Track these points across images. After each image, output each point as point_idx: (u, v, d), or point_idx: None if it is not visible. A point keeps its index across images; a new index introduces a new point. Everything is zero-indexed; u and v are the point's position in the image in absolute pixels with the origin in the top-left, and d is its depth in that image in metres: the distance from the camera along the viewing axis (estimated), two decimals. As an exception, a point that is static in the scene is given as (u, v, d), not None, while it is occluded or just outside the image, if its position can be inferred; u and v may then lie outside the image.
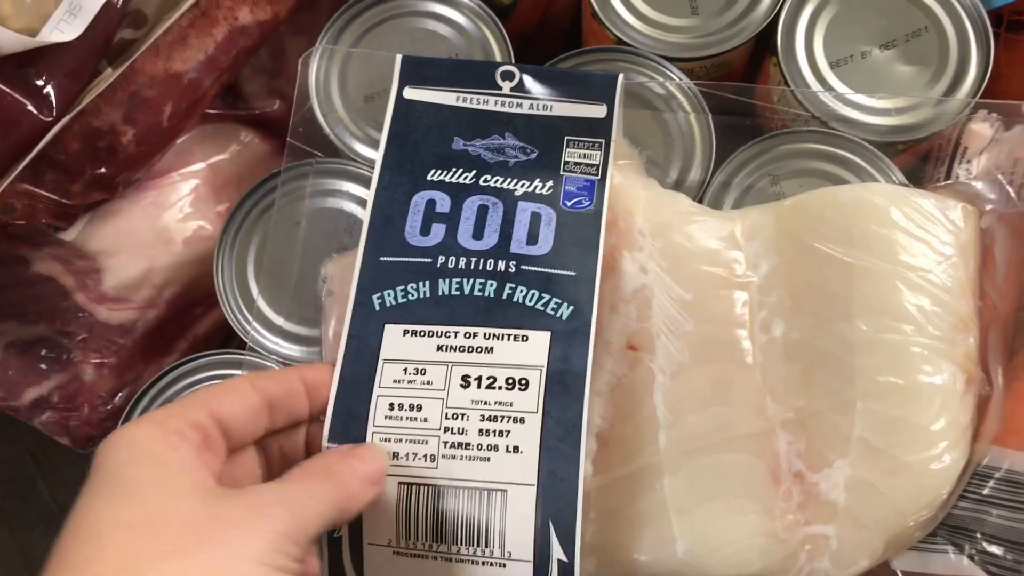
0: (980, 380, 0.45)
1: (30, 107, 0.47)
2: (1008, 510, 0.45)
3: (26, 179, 0.48)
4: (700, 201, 0.50)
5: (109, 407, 0.55)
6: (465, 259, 0.43)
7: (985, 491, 0.45)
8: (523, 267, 0.43)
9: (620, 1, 0.54)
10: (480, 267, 0.43)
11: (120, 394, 0.55)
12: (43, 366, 0.54)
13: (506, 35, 0.53)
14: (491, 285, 0.42)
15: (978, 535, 0.45)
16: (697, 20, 0.54)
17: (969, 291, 0.45)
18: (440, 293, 0.43)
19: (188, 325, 0.56)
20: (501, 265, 0.43)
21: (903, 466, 0.43)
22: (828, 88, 0.52)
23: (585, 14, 0.56)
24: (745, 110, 0.51)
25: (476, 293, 0.42)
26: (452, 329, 0.42)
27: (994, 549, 0.45)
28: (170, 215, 0.54)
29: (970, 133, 0.58)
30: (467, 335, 0.42)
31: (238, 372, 0.50)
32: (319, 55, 0.52)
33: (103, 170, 0.50)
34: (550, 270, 0.43)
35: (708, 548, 0.43)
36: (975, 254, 0.46)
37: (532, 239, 0.44)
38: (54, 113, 0.47)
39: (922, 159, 0.56)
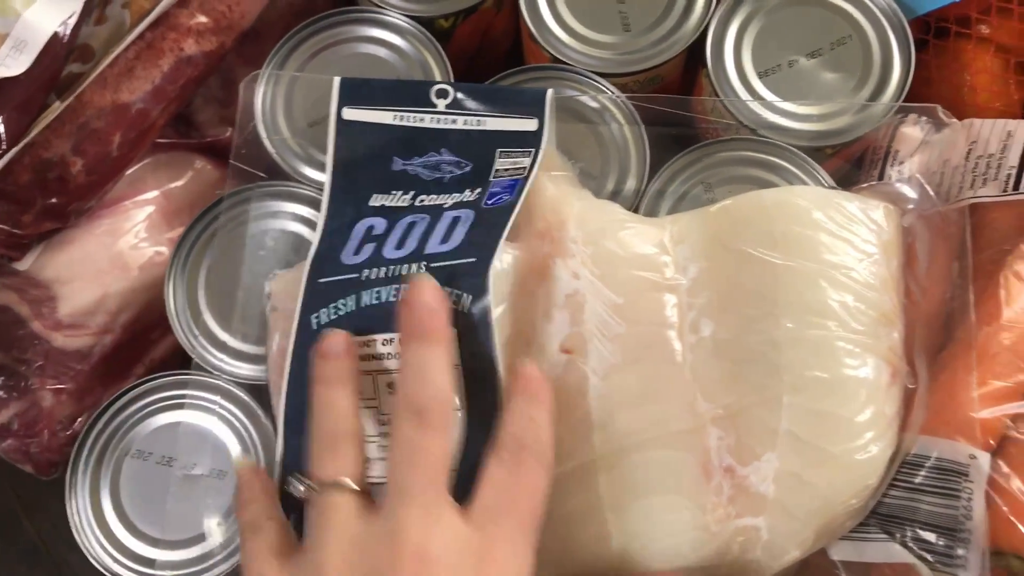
0: (905, 373, 0.47)
1: (-21, 141, 0.48)
2: (938, 497, 0.46)
3: (-23, 211, 0.49)
4: (636, 210, 0.52)
5: (69, 432, 0.56)
6: (385, 268, 0.45)
7: (916, 479, 0.46)
8: (431, 265, 0.44)
9: (555, 21, 0.56)
10: (396, 274, 0.44)
11: (80, 419, 0.56)
12: (1, 394, 0.55)
13: (446, 57, 0.55)
14: (403, 288, 0.44)
15: (911, 523, 0.46)
16: (629, 37, 0.55)
17: (892, 287, 0.47)
18: (363, 304, 0.44)
19: (145, 349, 0.57)
20: (413, 268, 0.44)
21: (829, 457, 0.44)
22: (757, 97, 0.54)
23: (523, 35, 0.58)
24: (678, 120, 0.53)
25: (391, 299, 0.44)
26: (371, 338, 0.43)
27: (927, 536, 0.46)
28: (124, 242, 0.56)
29: (901, 136, 0.60)
30: (383, 342, 0.43)
31: (190, 392, 0.51)
32: (264, 80, 0.54)
33: (54, 200, 0.52)
34: (454, 262, 0.44)
35: (642, 543, 0.45)
36: (898, 252, 0.48)
37: (446, 239, 0.45)
38: (3, 146, 0.49)
39: (856, 163, 0.58)
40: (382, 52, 0.56)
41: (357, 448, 0.41)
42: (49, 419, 0.55)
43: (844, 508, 0.45)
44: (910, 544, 0.46)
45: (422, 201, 0.47)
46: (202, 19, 0.54)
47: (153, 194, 0.57)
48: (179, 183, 0.58)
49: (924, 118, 0.61)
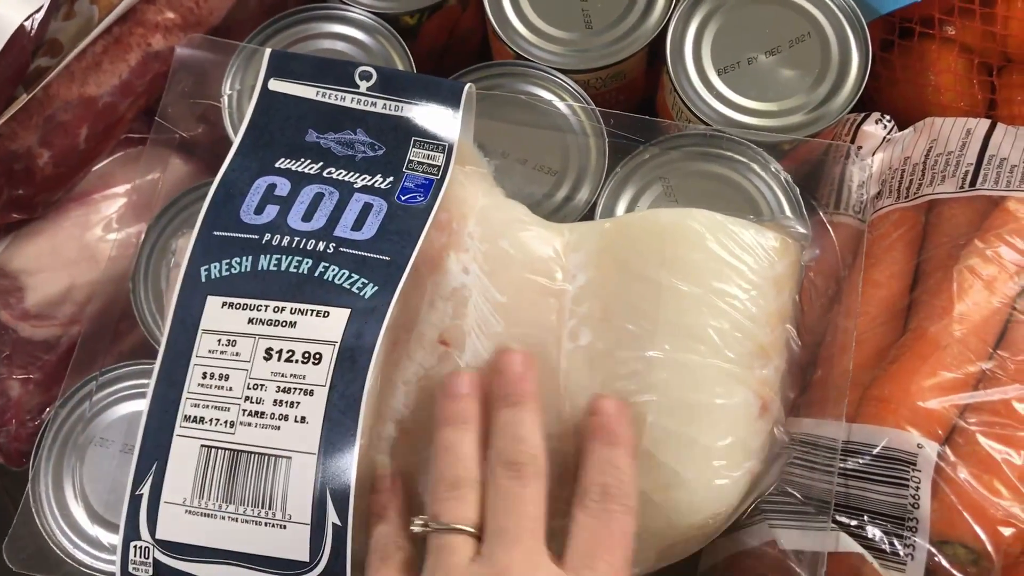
0: (778, 408, 0.47)
1: (-55, 132, 0.49)
2: (887, 486, 0.46)
3: (-56, 201, 0.50)
4: (595, 205, 0.52)
5: (37, 422, 0.56)
6: (289, 238, 0.46)
7: (865, 468, 0.47)
8: (341, 249, 0.45)
9: (518, 19, 0.57)
10: (300, 246, 0.45)
11: (48, 409, 0.56)
12: (-30, 384, 0.55)
13: (409, 53, 0.56)
14: (306, 263, 0.45)
15: (860, 511, 0.47)
16: (590, 34, 0.56)
17: (775, 321, 0.47)
18: (259, 268, 0.45)
19: (113, 341, 0.58)
20: (320, 246, 0.45)
21: (681, 481, 0.45)
22: (716, 94, 0.54)
23: (488, 32, 0.59)
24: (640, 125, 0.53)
25: (291, 269, 0.45)
26: (263, 303, 0.44)
27: (875, 524, 0.46)
28: (92, 234, 0.56)
29: (863, 134, 0.61)
30: (275, 309, 0.44)
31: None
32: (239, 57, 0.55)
33: (20, 191, 0.52)
34: (366, 253, 0.45)
35: None
36: (790, 286, 0.48)
37: (357, 226, 0.46)
38: (-31, 137, 0.50)
39: (819, 160, 0.58)
40: (348, 48, 0.57)
41: (477, 494, 0.42)
42: (17, 409, 0.56)
43: (691, 532, 0.45)
44: (858, 532, 0.47)
45: (330, 173, 0.48)
46: (170, 15, 0.54)
47: (123, 188, 0.58)
48: (148, 177, 0.59)
49: (886, 116, 0.62)
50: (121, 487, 0.46)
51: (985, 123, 0.57)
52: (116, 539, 0.48)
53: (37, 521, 0.50)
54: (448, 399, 0.44)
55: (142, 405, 0.51)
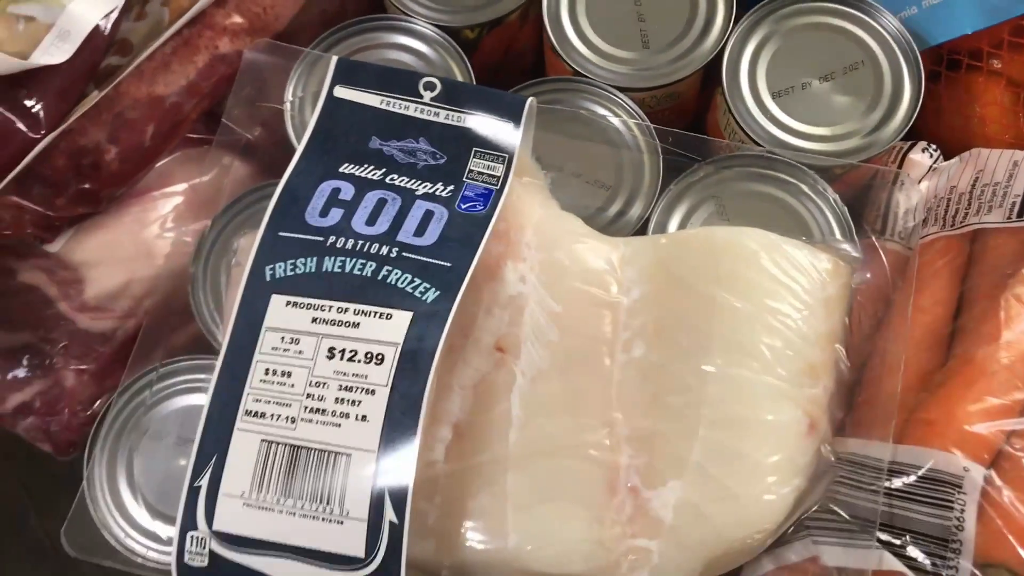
0: (825, 429, 0.48)
1: (20, 125, 0.50)
2: (932, 507, 0.47)
3: (14, 192, 0.51)
4: (647, 221, 0.53)
5: (89, 413, 0.57)
6: (353, 240, 0.47)
7: (911, 489, 0.48)
8: (404, 254, 0.46)
9: (576, 36, 0.58)
10: (364, 249, 0.47)
11: (99, 400, 0.57)
12: (26, 372, 0.56)
13: (469, 66, 0.57)
14: (370, 266, 0.46)
15: (903, 531, 0.47)
16: (648, 53, 0.57)
17: (825, 342, 0.48)
18: (324, 269, 0.46)
19: (166, 335, 0.59)
20: (384, 250, 0.47)
21: (731, 495, 0.45)
22: (770, 117, 0.55)
23: (545, 47, 0.60)
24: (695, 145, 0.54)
25: (355, 271, 0.46)
26: (327, 303, 0.45)
27: (919, 544, 0.47)
28: (151, 231, 0.58)
29: (910, 162, 0.62)
30: (339, 310, 0.45)
31: (207, 376, 0.52)
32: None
33: (87, 185, 0.53)
34: (428, 259, 0.46)
35: (536, 545, 0.46)
36: (840, 308, 0.49)
37: (419, 232, 0.47)
38: (42, 131, 0.51)
39: (867, 185, 0.59)
40: (409, 59, 0.58)
41: None
42: (71, 399, 0.57)
43: (738, 545, 0.46)
44: (902, 552, 0.47)
45: (392, 180, 0.49)
46: (237, 19, 0.56)
47: (181, 186, 0.59)
48: (206, 177, 0.60)
49: (932, 145, 0.62)
50: (174, 478, 0.47)
51: (1032, 156, 0.57)
52: (168, 529, 0.50)
53: (91, 509, 0.51)
54: None
55: (197, 399, 0.53)
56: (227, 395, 0.45)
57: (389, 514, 0.43)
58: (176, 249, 0.58)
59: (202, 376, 0.53)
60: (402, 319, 0.45)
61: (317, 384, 0.45)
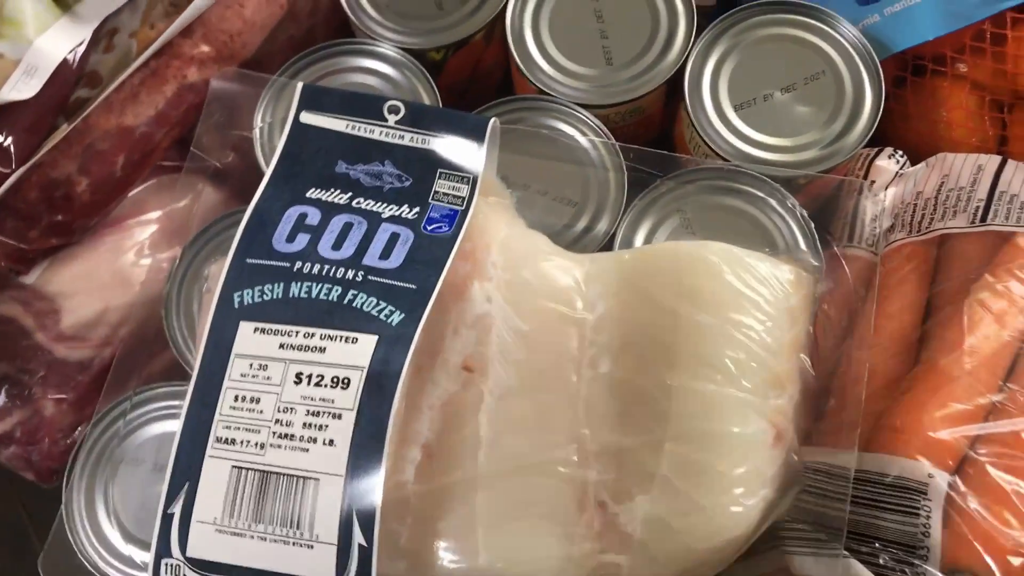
0: (791, 438, 0.48)
1: (-10, 160, 0.51)
2: (898, 514, 0.47)
3: (-13, 226, 0.52)
4: (613, 236, 0.54)
5: (69, 441, 0.58)
6: (319, 266, 0.47)
7: (877, 497, 0.48)
8: (369, 277, 0.47)
9: (540, 55, 0.58)
10: (330, 274, 0.47)
11: (79, 428, 0.58)
12: (6, 403, 0.57)
13: (435, 87, 0.58)
14: (336, 290, 0.47)
15: (871, 539, 0.48)
16: (611, 70, 0.58)
17: (789, 352, 0.49)
18: (291, 295, 0.47)
19: (145, 363, 0.60)
20: (350, 274, 0.47)
21: (698, 508, 0.46)
22: (733, 129, 0.56)
23: (512, 67, 0.60)
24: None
25: (322, 296, 0.47)
26: (294, 328, 0.46)
27: (887, 552, 0.47)
28: (126, 259, 0.58)
29: (876, 169, 0.62)
30: (306, 335, 0.46)
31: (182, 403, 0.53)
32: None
33: (60, 217, 0.54)
34: (393, 282, 0.47)
35: (506, 563, 0.46)
36: (803, 318, 0.50)
37: (385, 255, 0.48)
38: (12, 165, 0.51)
39: (832, 195, 0.60)
40: (376, 82, 0.58)
41: None
42: (50, 427, 0.57)
43: (707, 557, 0.46)
44: (870, 559, 0.47)
45: (359, 203, 0.50)
46: (205, 48, 0.56)
47: (155, 214, 0.60)
48: (180, 204, 0.61)
49: (899, 151, 0.63)
50: (151, 505, 0.48)
51: (996, 159, 0.58)
52: (146, 556, 0.50)
53: (69, 537, 0.51)
54: None
55: (173, 425, 0.53)
56: (197, 422, 0.46)
57: (358, 537, 0.43)
58: (151, 276, 0.58)
59: (177, 402, 0.53)
60: (367, 343, 0.46)
61: (285, 410, 0.45)
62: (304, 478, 0.44)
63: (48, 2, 0.53)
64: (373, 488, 0.43)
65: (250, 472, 0.45)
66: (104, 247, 0.58)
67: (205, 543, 0.44)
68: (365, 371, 0.45)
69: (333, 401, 0.45)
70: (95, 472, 0.53)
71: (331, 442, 0.44)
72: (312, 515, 0.43)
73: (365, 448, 0.44)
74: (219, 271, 0.49)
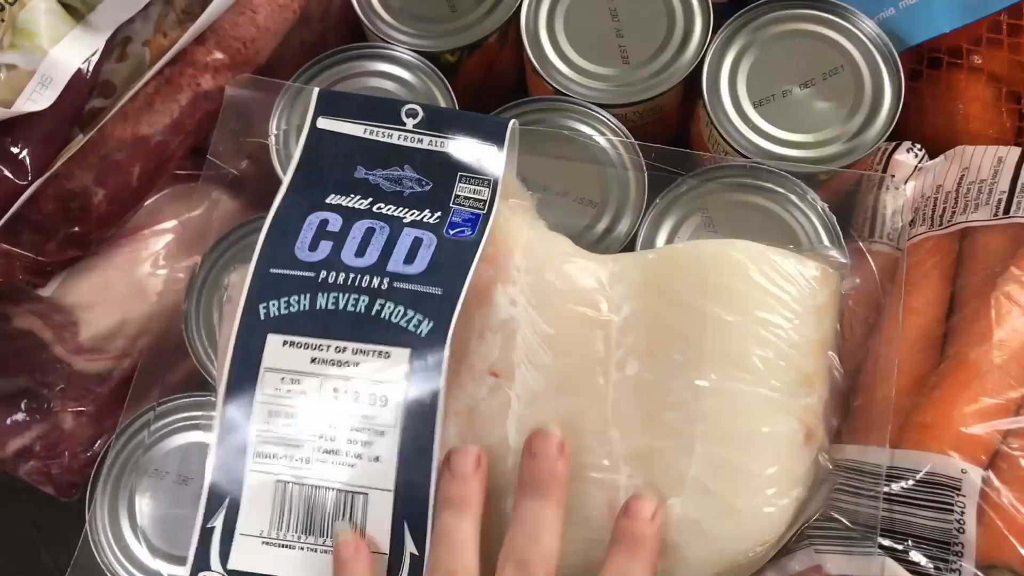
0: (822, 436, 0.48)
1: (6, 172, 0.51)
2: (932, 511, 0.47)
3: (4, 239, 0.52)
4: (635, 236, 0.54)
5: (89, 454, 0.58)
6: (344, 274, 0.47)
7: (910, 494, 0.48)
8: (395, 284, 0.47)
9: (556, 55, 0.58)
10: (356, 283, 0.47)
11: (99, 441, 0.58)
12: (25, 417, 0.57)
13: (451, 90, 0.57)
14: (363, 301, 0.46)
15: (905, 536, 0.47)
16: (628, 69, 0.57)
17: (817, 350, 0.48)
18: (318, 307, 0.46)
19: (161, 373, 0.59)
20: (376, 281, 0.47)
21: (731, 509, 0.45)
22: (752, 126, 0.56)
23: (527, 68, 0.60)
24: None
25: (349, 308, 0.46)
26: (325, 343, 0.46)
27: (921, 549, 0.47)
28: (143, 269, 0.58)
29: (895, 163, 0.62)
30: (337, 349, 0.46)
31: (205, 413, 0.53)
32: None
33: (76, 229, 0.54)
34: (419, 287, 0.46)
35: None
36: (831, 315, 0.49)
37: (409, 259, 0.47)
38: (29, 177, 0.51)
39: (853, 190, 0.60)
40: (391, 86, 0.58)
41: None
42: (70, 441, 0.57)
43: (740, 559, 0.46)
44: (904, 557, 0.47)
45: (380, 209, 0.49)
46: (218, 55, 0.56)
47: (171, 223, 0.60)
48: (196, 213, 0.60)
49: (917, 145, 0.63)
50: (179, 518, 0.48)
51: (1016, 151, 0.57)
52: (170, 568, 0.50)
53: (94, 551, 0.51)
54: (452, 479, 0.44)
55: (195, 436, 0.53)
56: (233, 437, 0.45)
57: (409, 546, 0.43)
58: (169, 286, 0.58)
59: (199, 413, 0.53)
60: (400, 357, 0.45)
61: (326, 425, 0.45)
62: (353, 492, 0.44)
63: (62, 12, 0.52)
64: (423, 499, 0.44)
65: (296, 486, 0.44)
66: (120, 258, 0.58)
67: (249, 556, 0.44)
68: (403, 388, 0.45)
69: (374, 418, 0.45)
70: (118, 486, 0.53)
71: (377, 459, 0.44)
72: (363, 526, 0.44)
73: (412, 465, 0.44)
74: (240, 280, 0.49)
